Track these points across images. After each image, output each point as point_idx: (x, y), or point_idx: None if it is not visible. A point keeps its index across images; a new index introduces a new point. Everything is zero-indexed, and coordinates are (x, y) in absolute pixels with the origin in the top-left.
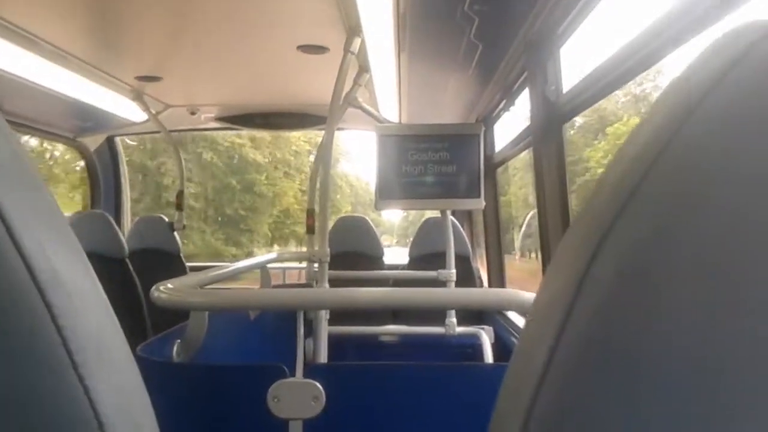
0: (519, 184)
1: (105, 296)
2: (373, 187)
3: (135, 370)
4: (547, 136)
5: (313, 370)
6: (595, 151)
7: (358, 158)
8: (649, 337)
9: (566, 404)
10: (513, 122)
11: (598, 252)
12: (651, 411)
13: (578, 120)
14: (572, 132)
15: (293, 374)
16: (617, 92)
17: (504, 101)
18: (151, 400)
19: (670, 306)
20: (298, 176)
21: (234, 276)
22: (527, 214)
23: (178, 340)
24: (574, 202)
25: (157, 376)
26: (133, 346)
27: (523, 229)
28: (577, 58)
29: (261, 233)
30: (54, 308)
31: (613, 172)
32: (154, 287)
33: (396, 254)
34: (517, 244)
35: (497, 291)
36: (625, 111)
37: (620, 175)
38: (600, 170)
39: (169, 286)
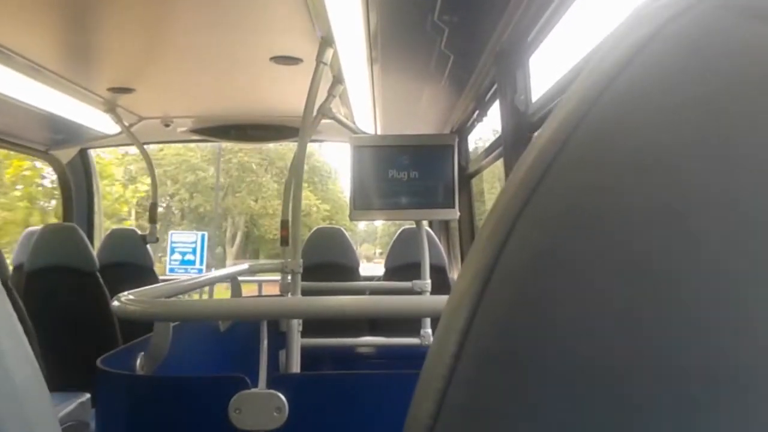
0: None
1: (7, 301)
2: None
3: (36, 372)
4: (517, 145)
5: (276, 380)
6: None
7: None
8: (551, 338)
9: (469, 414)
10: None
11: (499, 255)
12: (550, 414)
13: None
14: None
15: (256, 385)
16: None
17: (477, 111)
18: (113, 412)
19: (563, 315)
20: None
21: (203, 287)
22: None
23: (142, 353)
24: None
25: (118, 389)
26: (99, 359)
27: None
28: (547, 67)
29: None
30: None
31: (517, 172)
32: (115, 297)
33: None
34: None
35: None
36: None
37: (522, 175)
38: None
39: (131, 297)
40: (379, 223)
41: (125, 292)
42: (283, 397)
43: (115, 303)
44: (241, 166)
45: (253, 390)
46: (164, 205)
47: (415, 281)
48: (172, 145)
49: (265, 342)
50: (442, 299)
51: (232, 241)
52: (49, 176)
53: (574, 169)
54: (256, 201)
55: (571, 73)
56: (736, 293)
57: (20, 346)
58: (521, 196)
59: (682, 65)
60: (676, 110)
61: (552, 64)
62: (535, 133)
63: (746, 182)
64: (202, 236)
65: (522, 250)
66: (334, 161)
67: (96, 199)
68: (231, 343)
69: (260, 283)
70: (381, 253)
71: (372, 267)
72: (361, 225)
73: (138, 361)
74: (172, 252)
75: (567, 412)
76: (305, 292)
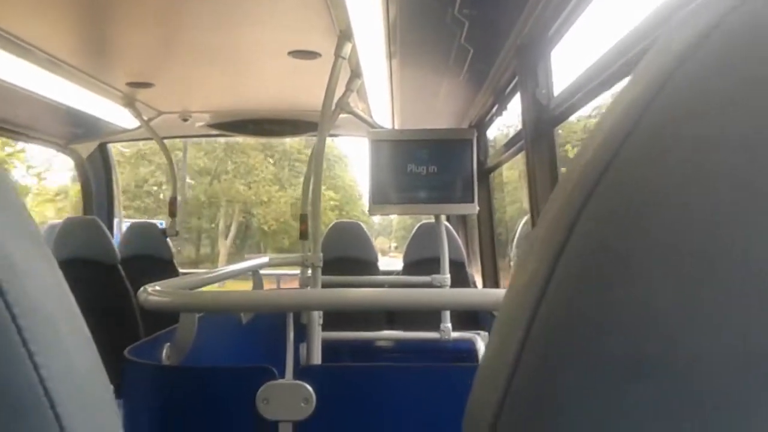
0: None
1: (68, 290)
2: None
3: (96, 360)
4: (538, 139)
5: (303, 371)
6: None
7: (355, 162)
8: (619, 326)
9: (534, 404)
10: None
11: (566, 243)
12: (622, 400)
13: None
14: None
15: (283, 376)
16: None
17: (496, 105)
18: (140, 402)
19: (637, 297)
20: None
21: (227, 280)
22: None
23: (168, 344)
24: None
25: (146, 379)
26: (126, 349)
27: (518, 233)
28: (568, 61)
29: None
30: (7, 294)
31: (575, 169)
32: (141, 289)
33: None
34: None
35: (488, 291)
36: None
37: (581, 172)
38: None
39: (157, 288)
40: (394, 216)
41: (151, 284)
42: (310, 388)
43: (142, 294)
44: (228, 146)
45: (281, 381)
46: (153, 191)
47: (434, 275)
48: None
49: (291, 333)
50: (462, 292)
51: (226, 234)
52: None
53: (638, 163)
54: (249, 187)
55: (595, 67)
56: None
57: (80, 330)
58: (583, 192)
59: (745, 55)
60: (742, 101)
61: (574, 57)
62: (592, 124)
63: None
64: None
65: (583, 249)
66: (345, 147)
67: (115, 193)
68: (253, 335)
69: (279, 277)
70: (396, 247)
71: (387, 261)
72: (376, 218)
73: (164, 352)
74: None
75: (634, 405)
76: (325, 286)
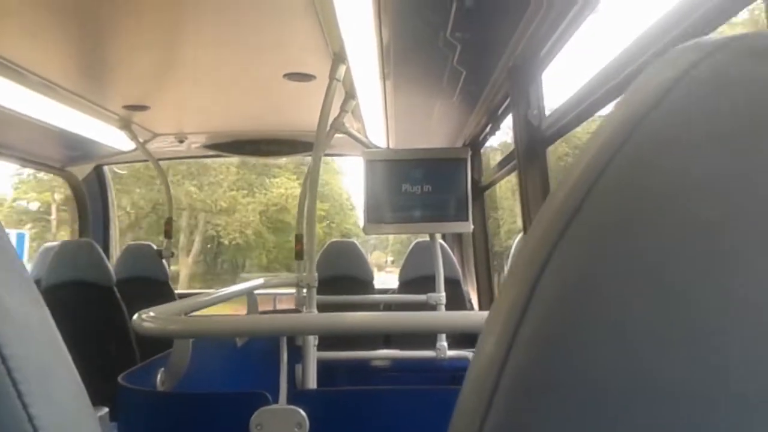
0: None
1: (54, 327)
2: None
3: (84, 399)
4: (531, 159)
5: (297, 396)
6: None
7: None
8: (595, 355)
9: (514, 425)
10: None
11: (546, 266)
12: (600, 425)
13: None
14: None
15: (277, 401)
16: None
17: (490, 125)
18: (134, 427)
19: (614, 325)
20: None
21: (222, 303)
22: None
23: (162, 369)
24: None
25: (140, 405)
26: (120, 375)
27: (512, 251)
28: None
29: None
30: (3, 348)
31: (556, 196)
32: (136, 315)
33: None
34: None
35: (484, 314)
36: None
37: (562, 198)
38: None
39: (151, 314)
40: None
41: (145, 310)
42: (303, 413)
43: (136, 321)
44: None
45: (274, 406)
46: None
47: (429, 294)
48: None
49: (285, 357)
50: (457, 315)
51: (189, 250)
52: None
53: (611, 197)
54: (200, 189)
55: (585, 89)
56: None
57: (72, 378)
58: (563, 219)
59: (709, 105)
60: (705, 146)
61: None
62: (572, 157)
63: None
64: (20, 236)
65: (561, 275)
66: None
67: (111, 215)
68: (247, 357)
69: (275, 297)
70: (393, 261)
71: (384, 278)
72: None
73: (158, 378)
74: None
75: (605, 425)
76: (320, 306)
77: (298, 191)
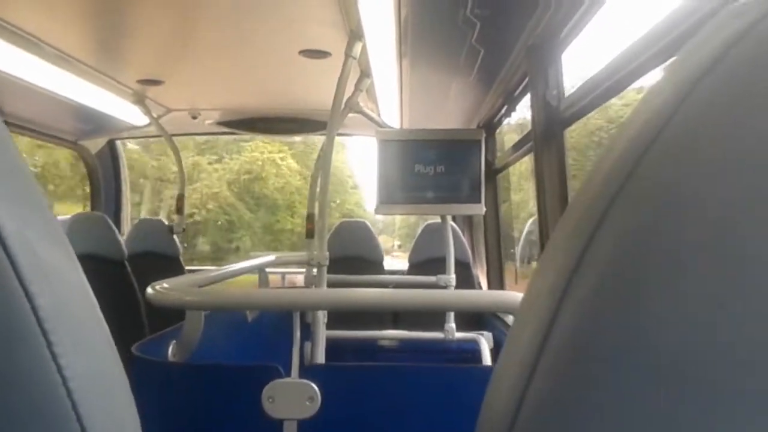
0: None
1: (85, 280)
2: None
3: (116, 359)
4: (548, 141)
5: (308, 370)
6: None
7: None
8: (638, 334)
9: (553, 404)
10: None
11: (589, 246)
12: (640, 408)
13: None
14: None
15: (289, 375)
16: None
17: (506, 106)
18: (145, 399)
19: (659, 303)
20: None
21: (232, 278)
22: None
23: (174, 341)
24: None
25: (152, 376)
26: (130, 348)
27: (524, 235)
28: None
29: None
30: (31, 286)
31: (605, 161)
32: (150, 286)
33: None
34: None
35: (494, 293)
36: None
37: (612, 164)
38: None
39: (165, 285)
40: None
41: (159, 281)
42: (315, 387)
43: (150, 291)
44: None
45: (286, 379)
46: None
47: (439, 276)
48: None
49: (298, 332)
50: (467, 293)
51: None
52: None
53: (665, 164)
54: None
55: (606, 70)
56: None
57: (102, 329)
58: (612, 187)
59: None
60: (764, 110)
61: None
62: (616, 128)
63: None
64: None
65: (614, 235)
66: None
67: (124, 189)
68: (257, 332)
69: (284, 275)
70: (400, 246)
71: (390, 263)
72: (379, 216)
73: (170, 349)
74: None
75: (653, 404)
76: (330, 285)
77: (276, 156)
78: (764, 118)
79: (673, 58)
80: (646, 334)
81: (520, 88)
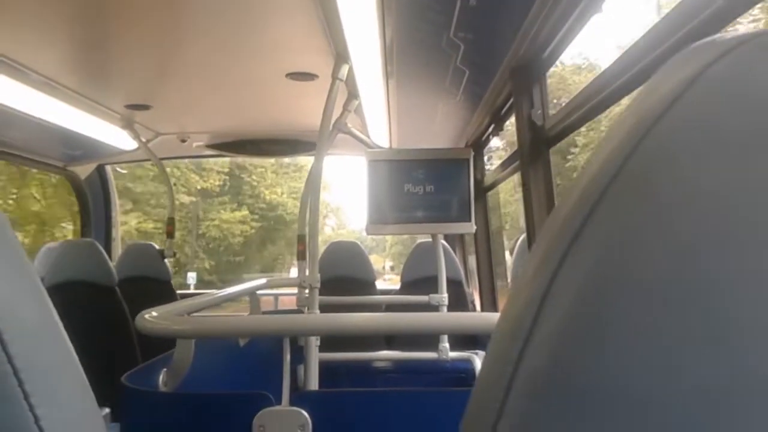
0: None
1: (60, 326)
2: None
3: (93, 405)
4: (534, 159)
5: (299, 397)
6: None
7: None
8: (604, 363)
9: (529, 427)
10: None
11: (557, 275)
12: None
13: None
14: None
15: (279, 402)
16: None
17: (492, 125)
18: (136, 428)
19: (624, 332)
20: None
21: (224, 303)
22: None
23: (164, 369)
24: None
25: (142, 405)
26: (122, 375)
27: (515, 253)
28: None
29: None
30: (9, 346)
31: (572, 193)
32: (139, 315)
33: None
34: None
35: (487, 315)
36: None
37: (578, 197)
38: None
39: (154, 314)
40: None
41: (148, 310)
42: (306, 414)
43: (139, 320)
44: None
45: (277, 407)
46: None
47: (431, 295)
48: None
49: (288, 357)
50: (459, 316)
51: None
52: None
53: (627, 198)
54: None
55: (590, 88)
56: None
57: (76, 376)
58: (577, 220)
59: (727, 108)
60: (720, 147)
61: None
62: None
63: None
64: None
65: (575, 277)
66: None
67: (113, 214)
68: (250, 357)
69: (276, 297)
70: (392, 267)
71: (382, 286)
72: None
73: (161, 378)
74: None
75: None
76: (322, 307)
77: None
78: (719, 154)
79: (632, 100)
80: (611, 368)
81: (506, 107)
